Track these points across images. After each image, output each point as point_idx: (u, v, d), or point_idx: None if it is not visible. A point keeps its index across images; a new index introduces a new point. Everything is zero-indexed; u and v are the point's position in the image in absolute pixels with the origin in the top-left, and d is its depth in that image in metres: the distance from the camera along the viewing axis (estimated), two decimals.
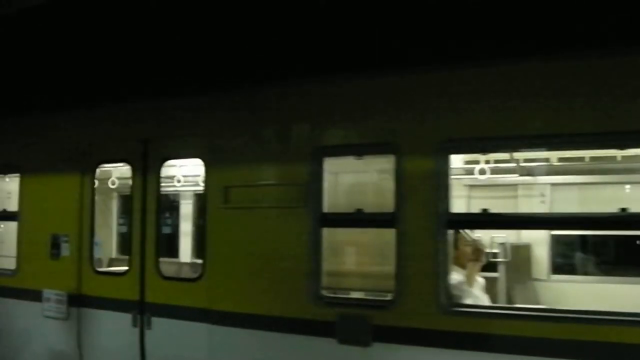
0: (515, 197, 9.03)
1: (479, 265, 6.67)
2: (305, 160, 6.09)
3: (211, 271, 6.63)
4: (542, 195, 8.82)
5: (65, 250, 7.70)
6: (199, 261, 7.00)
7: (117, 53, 7.27)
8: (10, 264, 8.48)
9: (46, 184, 8.10)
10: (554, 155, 7.81)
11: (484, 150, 6.59)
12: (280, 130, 6.37)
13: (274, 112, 6.46)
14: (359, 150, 6.12)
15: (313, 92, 6.28)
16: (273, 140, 6.41)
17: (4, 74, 8.05)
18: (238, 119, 6.66)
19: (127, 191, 9.27)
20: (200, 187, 8.28)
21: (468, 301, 6.07)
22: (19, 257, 8.19)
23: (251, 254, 6.39)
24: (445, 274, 5.51)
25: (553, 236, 8.77)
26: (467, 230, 6.71)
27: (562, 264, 8.77)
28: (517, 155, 7.61)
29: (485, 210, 5.51)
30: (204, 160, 6.85)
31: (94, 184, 7.71)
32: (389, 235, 5.73)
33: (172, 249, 9.39)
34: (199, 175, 8.98)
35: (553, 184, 8.75)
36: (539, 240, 8.80)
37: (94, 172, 7.70)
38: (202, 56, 6.90)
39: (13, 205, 8.59)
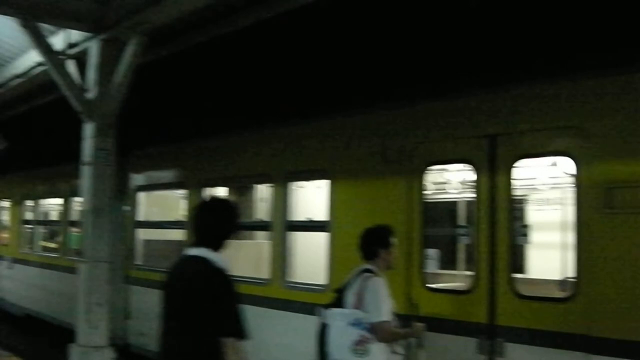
0: None
1: None
2: None
3: (590, 290, 5.49)
4: None
5: None
6: (566, 278, 5.85)
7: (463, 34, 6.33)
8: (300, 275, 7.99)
9: (363, 189, 7.37)
10: None
11: None
12: None
13: None
14: None
15: None
16: None
17: (307, 73, 7.42)
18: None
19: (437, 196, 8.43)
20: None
21: None
22: (331, 271, 7.48)
23: None
24: None
25: None
26: None
27: None
28: None
29: None
30: (573, 155, 5.74)
31: (422, 188, 6.83)
32: None
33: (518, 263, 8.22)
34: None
35: None
36: None
37: (422, 174, 6.82)
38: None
39: (315, 214, 7.93)
